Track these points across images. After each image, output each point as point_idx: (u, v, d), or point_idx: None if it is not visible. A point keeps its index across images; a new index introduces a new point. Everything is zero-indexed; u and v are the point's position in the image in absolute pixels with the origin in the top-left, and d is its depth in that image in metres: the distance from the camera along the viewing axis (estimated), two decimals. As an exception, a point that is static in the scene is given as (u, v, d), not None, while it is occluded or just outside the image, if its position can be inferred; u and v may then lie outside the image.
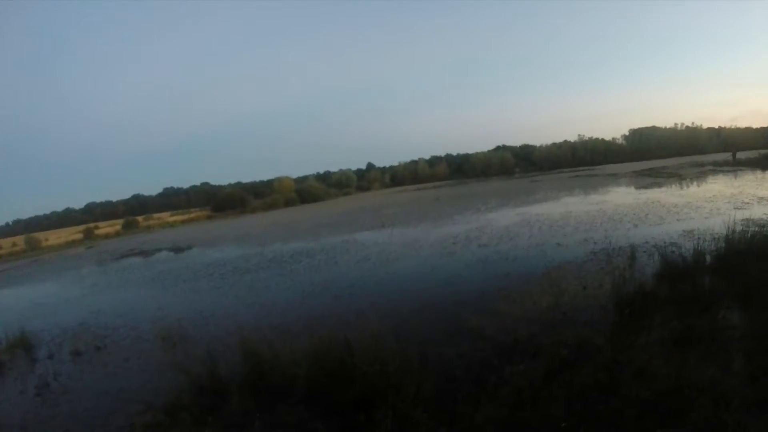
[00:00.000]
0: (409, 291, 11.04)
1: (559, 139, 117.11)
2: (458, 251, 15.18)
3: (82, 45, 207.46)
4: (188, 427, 5.46)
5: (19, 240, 65.93)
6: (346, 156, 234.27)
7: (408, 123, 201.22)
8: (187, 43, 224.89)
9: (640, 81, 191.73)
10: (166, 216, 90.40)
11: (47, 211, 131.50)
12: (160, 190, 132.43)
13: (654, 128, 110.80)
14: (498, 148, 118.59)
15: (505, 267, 12.09)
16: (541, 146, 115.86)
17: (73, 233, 71.93)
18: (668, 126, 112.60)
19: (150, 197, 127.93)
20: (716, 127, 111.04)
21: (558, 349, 5.96)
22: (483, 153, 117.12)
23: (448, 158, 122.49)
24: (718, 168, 44.05)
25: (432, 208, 35.48)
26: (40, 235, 68.85)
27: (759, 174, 34.09)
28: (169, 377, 7.11)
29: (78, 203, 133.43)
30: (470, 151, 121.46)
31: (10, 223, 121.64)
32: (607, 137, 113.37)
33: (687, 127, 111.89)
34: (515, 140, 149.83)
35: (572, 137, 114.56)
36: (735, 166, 46.05)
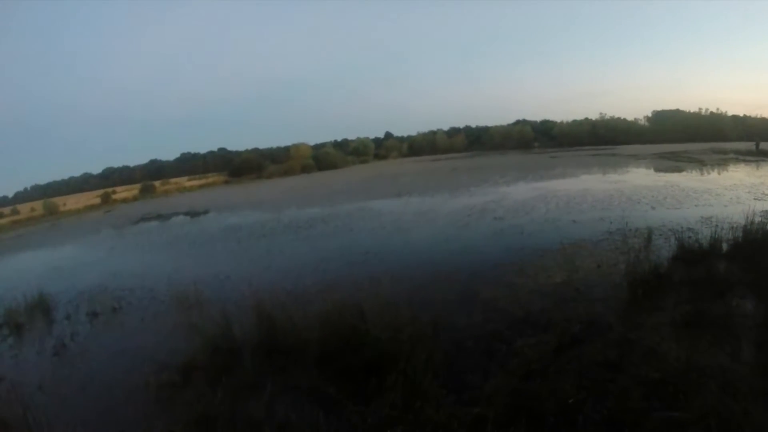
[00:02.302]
0: (423, 260, 11.13)
1: (580, 116, 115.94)
2: (473, 223, 15.22)
3: (98, 12, 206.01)
4: (202, 387, 5.55)
5: (38, 205, 66.10)
6: (364, 124, 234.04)
7: (427, 94, 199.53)
8: (204, 8, 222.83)
9: (665, 60, 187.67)
10: (183, 181, 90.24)
11: (65, 177, 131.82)
12: (177, 155, 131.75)
13: (677, 111, 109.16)
14: (518, 122, 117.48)
15: (520, 241, 12.10)
16: (561, 122, 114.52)
17: (91, 198, 72.19)
18: (692, 110, 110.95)
19: (167, 162, 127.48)
20: (741, 115, 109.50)
21: (569, 324, 6.02)
22: (502, 126, 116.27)
23: (467, 130, 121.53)
24: (741, 157, 43.40)
25: (449, 178, 35.33)
26: (59, 200, 68.78)
27: (781, 165, 33.71)
28: (184, 338, 7.21)
29: (96, 168, 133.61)
30: (490, 124, 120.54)
31: (29, 188, 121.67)
32: (630, 117, 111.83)
33: (711, 112, 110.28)
34: (535, 115, 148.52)
35: (594, 115, 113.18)
36: (758, 156, 45.47)
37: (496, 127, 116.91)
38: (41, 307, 11.15)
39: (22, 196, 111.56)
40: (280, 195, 37.30)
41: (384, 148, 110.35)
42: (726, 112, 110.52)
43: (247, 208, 30.23)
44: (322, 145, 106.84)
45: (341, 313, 6.38)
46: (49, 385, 6.70)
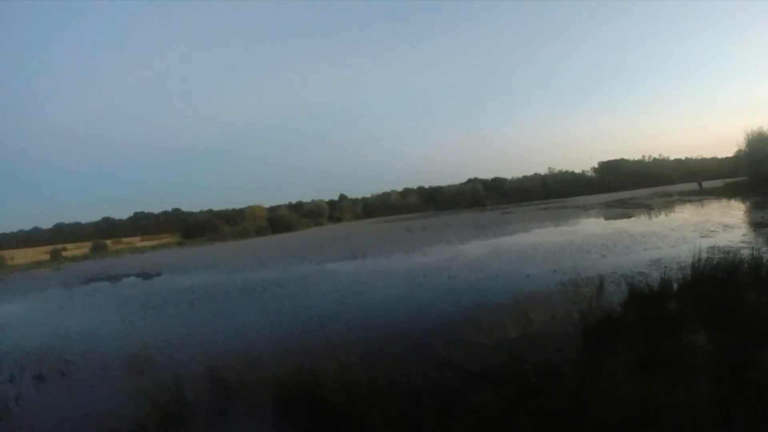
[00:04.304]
0: (379, 321, 10.97)
1: (529, 172, 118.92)
2: (428, 282, 15.14)
3: (51, 55, 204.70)
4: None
5: None
6: (318, 186, 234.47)
7: (380, 154, 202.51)
8: (158, 64, 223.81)
9: (607, 113, 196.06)
10: (135, 240, 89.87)
11: (15, 229, 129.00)
12: (130, 213, 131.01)
13: (622, 160, 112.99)
14: (470, 180, 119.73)
15: (474, 297, 12.06)
16: (512, 178, 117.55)
17: (40, 253, 70.93)
18: (636, 158, 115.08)
19: (120, 221, 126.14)
20: (682, 158, 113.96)
21: (526, 376, 5.93)
22: (455, 185, 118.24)
23: (420, 190, 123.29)
24: (685, 197, 44.91)
25: (403, 239, 35.44)
26: (6, 254, 67.45)
27: (724, 202, 34.87)
28: (134, 404, 6.94)
29: (47, 223, 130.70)
30: (442, 183, 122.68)
31: None
32: (577, 169, 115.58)
33: (654, 158, 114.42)
34: (487, 172, 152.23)
35: (542, 169, 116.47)
36: (701, 195, 47.01)
37: (449, 186, 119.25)
38: None
39: None
40: (234, 257, 37.10)
41: (339, 209, 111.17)
42: (668, 156, 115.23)
43: (200, 270, 29.83)
44: (277, 207, 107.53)
45: (296, 377, 6.30)
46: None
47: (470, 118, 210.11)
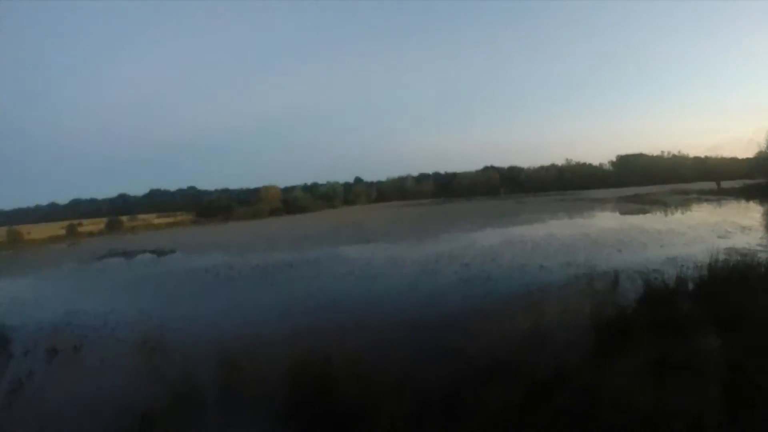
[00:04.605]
0: (392, 308, 10.98)
1: (547, 162, 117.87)
2: (441, 269, 15.12)
3: (73, 40, 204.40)
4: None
5: (0, 232, 65.27)
6: (334, 167, 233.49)
7: (397, 139, 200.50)
8: (177, 47, 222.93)
9: (628, 107, 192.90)
10: (151, 218, 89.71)
11: (32, 204, 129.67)
12: (146, 191, 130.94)
13: (640, 155, 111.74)
14: (485, 168, 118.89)
15: (487, 287, 12.04)
16: (528, 168, 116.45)
17: (56, 229, 71.18)
18: (655, 153, 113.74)
19: (136, 198, 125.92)
20: (702, 156, 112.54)
21: (536, 372, 5.90)
22: (470, 172, 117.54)
23: (436, 176, 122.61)
24: (703, 196, 44.46)
25: (417, 225, 35.45)
26: (23, 228, 68.02)
27: (742, 203, 34.48)
28: (146, 382, 6.99)
29: (63, 199, 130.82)
30: (458, 171, 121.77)
31: None
32: (594, 162, 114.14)
33: (673, 155, 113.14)
34: (503, 161, 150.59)
35: (560, 160, 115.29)
36: (719, 194, 46.54)
37: (464, 173, 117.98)
38: None
39: None
40: (248, 238, 36.99)
41: (353, 193, 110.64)
42: (687, 154, 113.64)
43: (214, 249, 29.84)
44: (292, 188, 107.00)
45: (308, 362, 6.27)
46: (2, 424, 6.48)
47: (489, 106, 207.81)
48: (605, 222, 26.85)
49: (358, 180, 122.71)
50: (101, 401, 6.81)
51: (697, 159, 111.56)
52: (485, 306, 10.13)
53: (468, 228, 29.04)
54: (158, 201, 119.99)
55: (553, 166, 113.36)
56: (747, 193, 43.63)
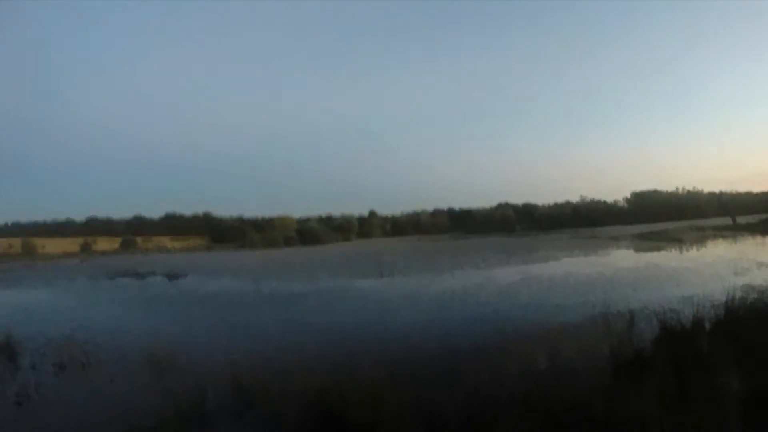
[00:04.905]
0: (406, 342, 10.98)
1: (561, 199, 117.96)
2: (457, 306, 15.11)
3: (96, 55, 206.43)
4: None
5: (16, 242, 66.14)
6: (349, 200, 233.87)
7: (412, 173, 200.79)
8: (200, 74, 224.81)
9: (643, 141, 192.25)
10: (165, 240, 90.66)
11: (48, 219, 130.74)
12: (162, 214, 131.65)
13: (655, 192, 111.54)
14: (500, 205, 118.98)
15: (502, 325, 12.01)
16: (543, 205, 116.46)
17: (70, 244, 72.25)
18: (670, 189, 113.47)
19: (151, 220, 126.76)
20: (717, 191, 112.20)
21: (553, 409, 5.93)
22: (485, 209, 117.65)
23: (450, 212, 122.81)
24: (718, 232, 44.30)
25: (432, 260, 35.43)
26: (38, 241, 68.88)
27: (759, 239, 34.31)
28: (154, 402, 7.04)
29: (80, 215, 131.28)
30: (473, 205, 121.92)
31: (9, 225, 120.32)
32: (609, 198, 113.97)
33: (688, 191, 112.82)
34: (518, 197, 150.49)
35: (574, 196, 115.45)
36: (735, 230, 46.31)
37: (479, 209, 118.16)
38: (6, 351, 10.99)
39: (2, 232, 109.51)
40: (262, 266, 37.19)
41: (368, 225, 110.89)
42: (702, 189, 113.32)
43: (228, 275, 30.00)
44: (307, 219, 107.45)
45: (320, 393, 6.31)
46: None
47: (503, 141, 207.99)
48: (620, 260, 26.80)
49: (372, 213, 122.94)
50: (106, 416, 6.89)
51: (712, 194, 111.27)
52: (501, 343, 10.14)
53: (483, 265, 28.99)
54: (173, 224, 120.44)
55: (568, 204, 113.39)
56: (763, 228, 43.41)
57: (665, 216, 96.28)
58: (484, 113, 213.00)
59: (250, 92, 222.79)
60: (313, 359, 9.66)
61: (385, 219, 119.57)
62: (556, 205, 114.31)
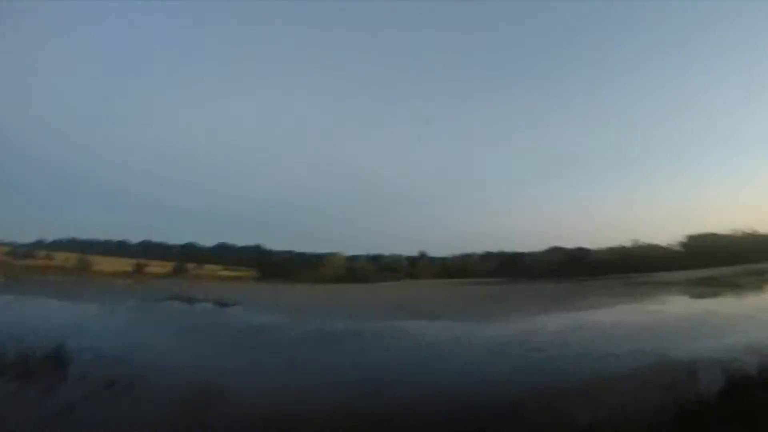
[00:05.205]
0: (455, 392, 10.85)
1: (614, 243, 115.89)
2: (508, 352, 14.99)
3: (161, 96, 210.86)
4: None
5: (72, 257, 68.09)
6: (398, 241, 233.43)
7: (461, 215, 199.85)
8: (257, 109, 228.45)
9: (697, 183, 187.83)
10: (216, 269, 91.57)
11: (103, 238, 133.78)
12: (214, 243, 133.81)
13: (711, 235, 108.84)
14: (552, 249, 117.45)
15: (555, 374, 11.88)
16: (595, 249, 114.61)
17: (124, 265, 73.44)
18: (726, 233, 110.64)
19: (203, 248, 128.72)
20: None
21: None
22: (536, 252, 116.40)
23: (500, 255, 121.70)
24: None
25: (483, 304, 35.09)
26: (93, 259, 70.71)
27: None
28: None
29: (134, 238, 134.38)
30: (524, 250, 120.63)
31: (67, 240, 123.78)
32: (663, 243, 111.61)
33: (745, 233, 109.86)
34: (569, 241, 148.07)
35: (626, 240, 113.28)
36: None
37: (531, 253, 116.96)
38: (57, 361, 11.32)
39: (59, 246, 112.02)
40: (311, 301, 37.28)
41: (417, 266, 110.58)
42: (760, 231, 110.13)
43: (276, 309, 30.04)
44: (356, 257, 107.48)
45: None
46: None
47: (555, 183, 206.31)
48: (677, 307, 26.15)
49: (422, 254, 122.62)
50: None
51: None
52: (554, 393, 10.03)
53: (534, 311, 28.58)
54: (224, 254, 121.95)
55: (621, 248, 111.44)
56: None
57: (722, 260, 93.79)
58: (533, 154, 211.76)
59: (307, 133, 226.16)
60: (359, 405, 9.66)
61: (434, 260, 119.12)
62: (609, 250, 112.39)
